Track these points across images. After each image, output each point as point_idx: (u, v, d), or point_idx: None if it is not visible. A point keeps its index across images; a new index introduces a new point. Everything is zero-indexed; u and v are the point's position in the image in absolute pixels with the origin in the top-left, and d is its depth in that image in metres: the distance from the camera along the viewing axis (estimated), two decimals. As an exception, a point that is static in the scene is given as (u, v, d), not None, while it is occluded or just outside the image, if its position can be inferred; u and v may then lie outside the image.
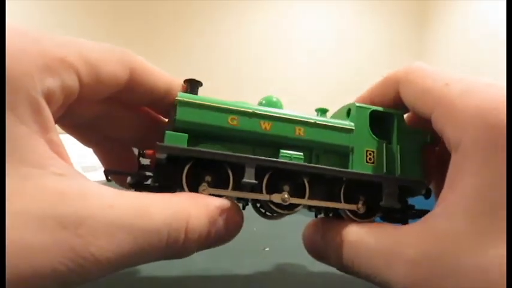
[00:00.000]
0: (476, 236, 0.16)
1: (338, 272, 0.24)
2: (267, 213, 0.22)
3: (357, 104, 0.22)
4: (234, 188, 0.20)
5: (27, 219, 0.13)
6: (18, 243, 0.13)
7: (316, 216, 0.24)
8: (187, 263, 0.28)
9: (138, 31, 2.72)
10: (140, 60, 0.20)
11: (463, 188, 0.17)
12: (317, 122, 0.22)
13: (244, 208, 0.22)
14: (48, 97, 0.16)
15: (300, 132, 0.21)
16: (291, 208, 0.21)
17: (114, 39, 2.77)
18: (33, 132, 0.15)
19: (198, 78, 0.22)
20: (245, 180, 0.19)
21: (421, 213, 0.23)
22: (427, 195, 0.23)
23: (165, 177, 0.19)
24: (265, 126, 0.21)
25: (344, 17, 2.93)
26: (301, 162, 0.21)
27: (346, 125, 0.22)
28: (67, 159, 0.16)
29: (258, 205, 0.22)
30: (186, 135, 0.19)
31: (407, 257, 0.17)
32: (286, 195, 0.20)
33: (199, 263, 0.28)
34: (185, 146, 0.19)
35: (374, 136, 0.22)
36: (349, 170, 0.22)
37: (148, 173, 0.21)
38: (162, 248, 0.16)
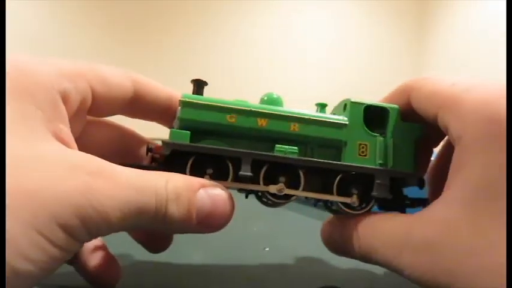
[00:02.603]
0: (473, 223, 0.16)
1: (337, 272, 0.24)
2: (269, 201, 0.23)
3: (352, 100, 0.23)
4: (234, 180, 0.21)
5: (52, 165, 0.16)
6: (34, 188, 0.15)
7: (315, 205, 0.25)
8: (187, 263, 0.28)
9: (140, 32, 2.72)
10: (140, 75, 0.23)
11: (463, 178, 0.18)
12: (311, 118, 0.23)
13: (247, 197, 0.24)
14: (65, 97, 0.19)
15: (294, 127, 0.22)
16: (287, 198, 0.22)
17: (115, 38, 2.77)
18: (46, 117, 0.17)
19: (203, 78, 0.23)
20: (241, 173, 0.21)
21: (416, 203, 0.24)
22: (421, 186, 0.24)
23: (171, 170, 0.20)
24: (262, 122, 0.22)
25: (343, 18, 2.94)
26: (295, 156, 0.22)
27: (339, 119, 0.23)
28: (73, 146, 0.19)
29: (259, 194, 0.23)
30: (189, 132, 0.21)
31: (412, 245, 0.18)
32: (281, 186, 0.22)
33: (199, 262, 0.28)
34: (187, 142, 0.21)
35: (367, 130, 0.23)
36: (340, 162, 0.23)
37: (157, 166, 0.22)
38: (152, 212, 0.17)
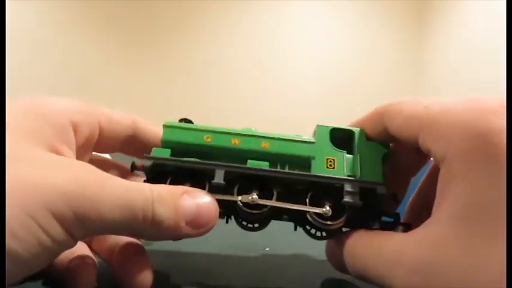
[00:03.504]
0: (464, 243, 0.16)
1: (338, 272, 0.24)
2: (248, 225, 0.24)
3: (318, 124, 0.25)
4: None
5: (52, 162, 0.18)
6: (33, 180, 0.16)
7: (295, 229, 0.25)
8: (187, 263, 0.28)
9: (135, 35, 2.72)
10: (138, 117, 0.26)
11: (452, 197, 0.18)
12: (280, 137, 0.25)
13: (227, 222, 0.25)
14: (75, 127, 0.22)
15: (265, 145, 0.24)
16: (260, 208, 0.23)
17: (115, 39, 2.76)
18: (54, 137, 0.20)
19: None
20: (214, 181, 0.22)
21: (392, 225, 0.25)
22: (395, 200, 0.24)
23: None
24: (235, 141, 0.24)
25: (342, 19, 2.94)
26: (266, 168, 0.23)
27: (307, 139, 0.25)
28: None
29: (240, 220, 0.24)
30: (169, 150, 0.24)
31: (404, 265, 0.18)
32: (254, 196, 0.22)
33: (199, 262, 0.28)
34: (167, 156, 0.23)
35: (334, 147, 0.25)
36: (308, 173, 0.24)
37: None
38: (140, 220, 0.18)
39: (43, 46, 2.58)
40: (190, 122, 0.25)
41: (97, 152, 0.25)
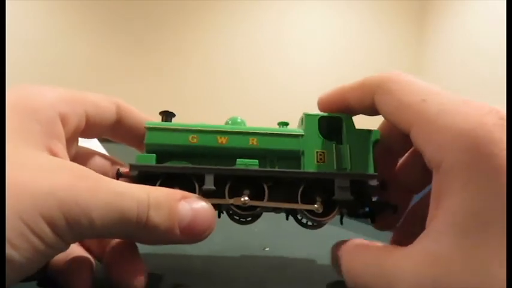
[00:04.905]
0: (467, 257, 0.16)
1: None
2: (241, 219, 0.24)
3: (306, 113, 0.25)
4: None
5: (43, 167, 0.18)
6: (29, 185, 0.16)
7: (287, 218, 0.26)
8: (186, 263, 0.28)
9: (135, 35, 2.72)
10: (121, 100, 0.26)
11: (449, 208, 0.17)
12: (268, 131, 0.24)
13: (219, 216, 0.24)
14: (64, 119, 0.21)
15: (253, 142, 0.24)
16: (252, 210, 0.23)
17: (114, 40, 2.76)
18: (44, 132, 0.20)
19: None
20: (205, 187, 0.22)
21: (384, 207, 0.25)
22: (384, 187, 0.24)
23: None
24: (222, 140, 0.23)
25: (341, 18, 2.94)
26: (255, 168, 0.23)
27: (295, 131, 0.24)
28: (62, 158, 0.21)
29: (230, 212, 0.24)
30: (154, 155, 0.23)
31: (404, 283, 0.17)
32: (246, 198, 0.22)
33: (199, 262, 0.28)
34: (153, 164, 0.22)
35: (323, 139, 0.24)
36: (299, 170, 0.23)
37: None
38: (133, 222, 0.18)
39: (40, 47, 2.57)
40: (172, 114, 0.25)
41: (83, 137, 0.25)
